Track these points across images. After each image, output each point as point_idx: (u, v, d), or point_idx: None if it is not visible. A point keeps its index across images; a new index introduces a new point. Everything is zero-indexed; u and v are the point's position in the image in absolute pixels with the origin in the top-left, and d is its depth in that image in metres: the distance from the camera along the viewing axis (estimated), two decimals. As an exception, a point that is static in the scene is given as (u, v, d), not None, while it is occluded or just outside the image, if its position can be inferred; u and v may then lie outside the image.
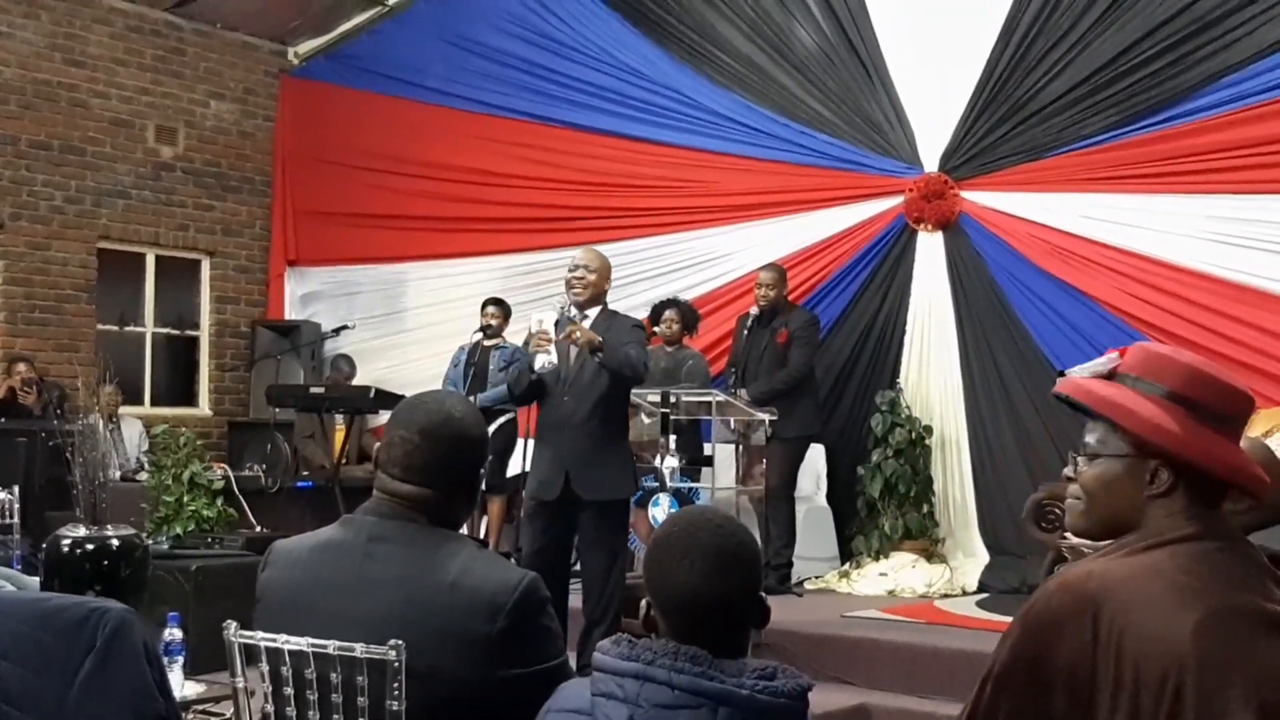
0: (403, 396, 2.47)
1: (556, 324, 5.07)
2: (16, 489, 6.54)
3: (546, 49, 9.00)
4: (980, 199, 7.62)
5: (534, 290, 8.45)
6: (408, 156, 9.43)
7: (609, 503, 5.14)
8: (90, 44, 9.26)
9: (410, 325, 9.56)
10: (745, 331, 7.13)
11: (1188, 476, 1.76)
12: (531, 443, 5.49)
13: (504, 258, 9.00)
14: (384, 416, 8.20)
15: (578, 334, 5.03)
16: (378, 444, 4.68)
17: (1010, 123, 7.52)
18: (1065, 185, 7.29)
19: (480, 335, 7.69)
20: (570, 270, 5.27)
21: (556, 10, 8.96)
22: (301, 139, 10.06)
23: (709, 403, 6.41)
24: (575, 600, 5.27)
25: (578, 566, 5.74)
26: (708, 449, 6.89)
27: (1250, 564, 1.76)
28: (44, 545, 3.26)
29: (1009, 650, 1.75)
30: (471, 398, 6.87)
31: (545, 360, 5.03)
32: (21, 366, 8.33)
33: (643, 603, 1.87)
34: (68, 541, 3.17)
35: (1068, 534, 5.37)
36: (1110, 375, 1.83)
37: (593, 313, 5.22)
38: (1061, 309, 7.27)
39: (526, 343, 5.30)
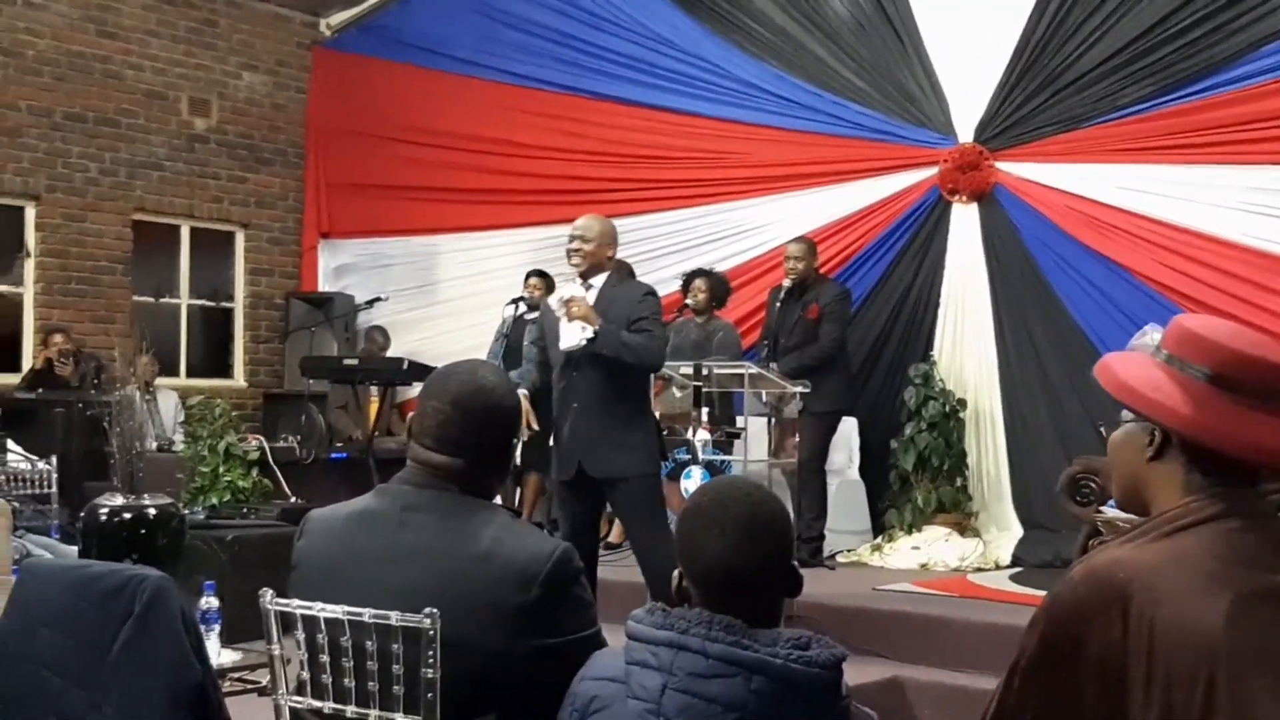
0: (435, 368, 2.46)
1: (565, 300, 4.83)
2: (54, 459, 6.63)
3: (577, 19, 8.97)
4: (1015, 170, 7.54)
5: (566, 263, 8.42)
6: (439, 128, 9.43)
7: (629, 478, 4.90)
8: (123, 15, 9.29)
9: (443, 297, 9.58)
10: (777, 304, 7.10)
11: (1194, 449, 1.71)
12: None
13: (536, 230, 8.97)
14: (416, 389, 8.22)
15: (575, 309, 4.78)
16: (410, 415, 4.65)
17: (1046, 93, 7.43)
18: (1102, 156, 7.20)
19: (513, 307, 7.59)
20: (569, 240, 5.01)
21: (586, -21, 8.93)
22: (334, 111, 10.08)
23: (741, 375, 6.39)
24: (604, 572, 5.23)
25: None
26: (740, 421, 6.88)
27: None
28: (82, 515, 3.30)
29: (1036, 642, 1.71)
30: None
31: (582, 337, 4.76)
32: (58, 338, 8.39)
33: (675, 573, 1.87)
34: (105, 511, 3.21)
35: (1102, 508, 5.35)
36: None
37: (599, 280, 4.95)
38: (1098, 282, 7.19)
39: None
